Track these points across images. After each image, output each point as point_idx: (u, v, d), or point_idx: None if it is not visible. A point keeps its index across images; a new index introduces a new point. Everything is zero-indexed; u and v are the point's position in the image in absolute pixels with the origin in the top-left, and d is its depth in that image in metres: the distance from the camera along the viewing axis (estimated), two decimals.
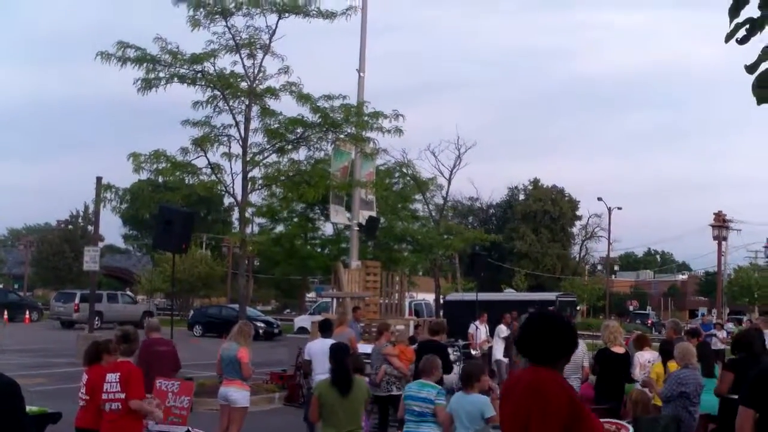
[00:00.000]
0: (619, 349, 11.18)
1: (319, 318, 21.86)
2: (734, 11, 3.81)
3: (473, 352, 21.74)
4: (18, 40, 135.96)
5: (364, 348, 15.29)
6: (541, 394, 4.00)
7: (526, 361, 4.30)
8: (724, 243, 44.92)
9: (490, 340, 22.15)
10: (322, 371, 12.24)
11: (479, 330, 22.82)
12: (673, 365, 10.46)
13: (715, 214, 44.77)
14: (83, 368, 8.80)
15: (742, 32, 3.84)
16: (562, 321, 4.33)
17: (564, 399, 4.00)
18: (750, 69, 3.87)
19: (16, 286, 71.39)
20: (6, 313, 44.36)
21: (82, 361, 8.94)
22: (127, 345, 8.15)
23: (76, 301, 43.77)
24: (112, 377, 7.84)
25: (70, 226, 68.31)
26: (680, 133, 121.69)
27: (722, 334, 27.50)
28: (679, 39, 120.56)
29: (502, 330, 21.21)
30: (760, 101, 3.87)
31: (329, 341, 12.52)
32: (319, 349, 12.40)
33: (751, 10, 3.80)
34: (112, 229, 79.91)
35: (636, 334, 16.10)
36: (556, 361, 4.20)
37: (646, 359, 12.05)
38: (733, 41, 3.89)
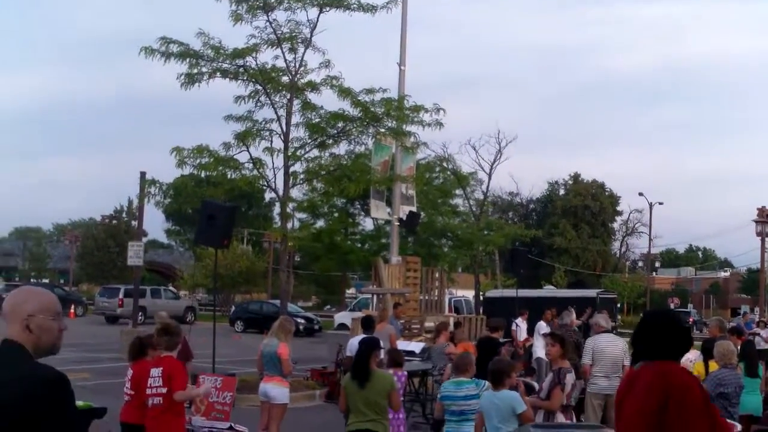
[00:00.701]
0: None
1: (359, 314, 21.84)
2: None
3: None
4: (56, 40, 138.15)
5: (404, 345, 15.26)
6: (676, 385, 3.96)
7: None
8: (767, 239, 44.08)
9: (530, 338, 21.96)
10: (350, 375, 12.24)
11: (520, 327, 22.63)
12: (714, 365, 10.27)
13: (758, 209, 43.98)
14: (128, 363, 8.86)
15: None
16: (680, 318, 4.31)
17: (698, 390, 4.01)
18: None
19: (61, 281, 72.47)
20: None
21: (127, 356, 9.00)
22: (169, 338, 8.11)
23: (121, 296, 44.24)
24: (155, 372, 7.87)
25: (114, 221, 69.09)
26: (721, 127, 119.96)
27: (766, 332, 26.97)
28: (718, 31, 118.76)
29: (542, 327, 21.01)
30: None
31: (370, 337, 12.52)
32: None
33: None
34: (155, 224, 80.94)
35: None
36: (677, 357, 4.20)
37: (688, 359, 11.83)
38: None
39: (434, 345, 13.57)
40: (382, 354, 10.75)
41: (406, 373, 11.03)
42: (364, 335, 12.30)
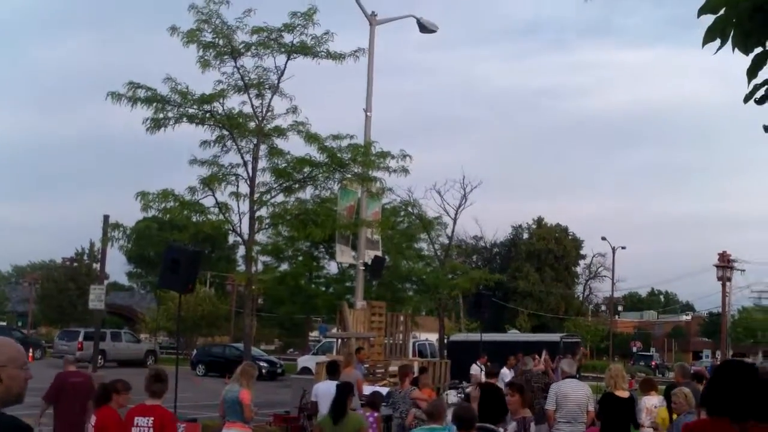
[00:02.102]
0: (623, 393, 11.17)
1: (323, 358, 21.83)
2: (752, 73, 3.92)
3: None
4: (19, 81, 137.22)
5: (368, 389, 15.30)
6: None
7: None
8: (728, 283, 44.82)
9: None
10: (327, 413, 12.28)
11: (482, 372, 22.76)
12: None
13: (719, 254, 44.75)
14: (92, 409, 8.81)
15: (761, 92, 3.94)
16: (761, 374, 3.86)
17: None
18: None
19: (19, 324, 71.28)
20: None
21: (92, 404, 8.96)
22: (158, 385, 7.96)
23: (80, 339, 43.68)
24: (143, 421, 7.64)
25: (75, 264, 68.36)
26: (683, 172, 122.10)
27: None
28: (680, 78, 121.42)
29: (506, 374, 21.05)
30: None
31: (335, 383, 12.56)
32: (325, 390, 12.42)
33: None
34: (116, 266, 79.99)
35: (643, 378, 16.07)
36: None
37: (653, 404, 12.03)
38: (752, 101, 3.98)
39: (398, 389, 13.62)
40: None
41: (376, 414, 11.14)
42: (334, 381, 12.36)
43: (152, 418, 7.62)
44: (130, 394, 8.91)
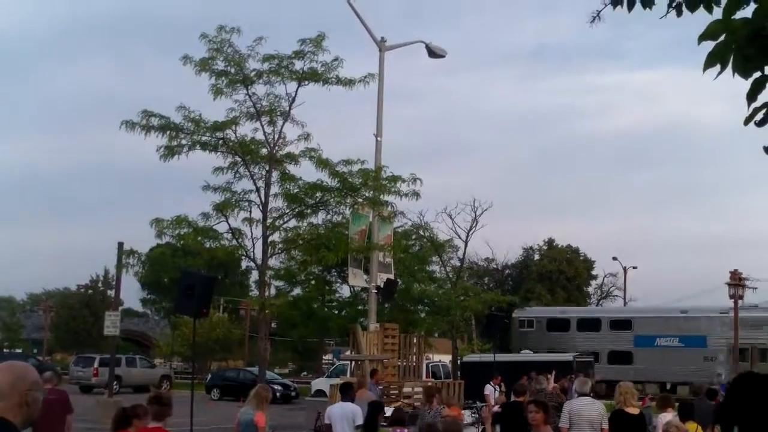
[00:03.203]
0: (633, 410, 11.23)
1: (336, 381, 21.90)
2: (751, 96, 4.05)
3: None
4: (32, 106, 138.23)
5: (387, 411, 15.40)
6: None
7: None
8: (740, 301, 44.62)
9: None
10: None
11: (495, 392, 22.79)
12: (691, 426, 10.52)
13: (731, 272, 44.58)
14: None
15: (760, 115, 4.07)
16: None
17: None
18: None
19: (35, 351, 71.51)
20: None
21: (111, 426, 9.07)
22: (159, 407, 8.10)
23: (95, 365, 43.85)
24: None
25: (89, 291, 68.65)
26: (694, 192, 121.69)
27: None
28: (690, 97, 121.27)
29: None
30: None
31: (350, 405, 12.67)
32: (338, 412, 12.52)
33: None
34: (130, 292, 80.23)
35: (660, 395, 16.11)
36: None
37: (667, 420, 12.06)
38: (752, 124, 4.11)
39: (426, 409, 13.75)
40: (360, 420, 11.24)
41: (406, 430, 11.32)
42: (347, 403, 12.50)
43: None
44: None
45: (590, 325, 46.15)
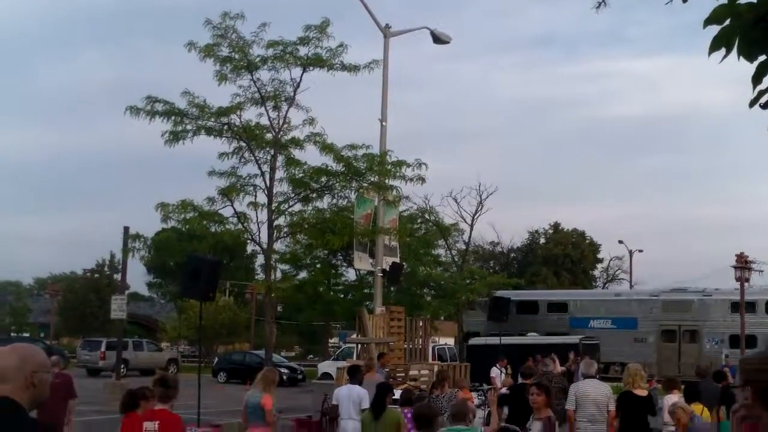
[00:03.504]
0: (641, 392, 11.29)
1: (343, 364, 22.00)
2: (756, 79, 4.07)
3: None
4: (38, 95, 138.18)
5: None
6: None
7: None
8: (746, 284, 44.57)
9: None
10: (347, 416, 12.48)
11: (501, 374, 22.90)
12: (697, 407, 10.57)
13: (737, 255, 44.50)
14: (120, 416, 8.98)
15: (765, 98, 4.09)
16: None
17: None
18: None
19: (42, 335, 71.86)
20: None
21: (118, 408, 9.14)
22: (164, 390, 8.14)
23: (102, 348, 44.13)
24: (149, 425, 7.86)
25: (96, 275, 68.91)
26: (699, 176, 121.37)
27: None
28: (696, 83, 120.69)
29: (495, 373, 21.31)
30: None
31: (356, 387, 12.77)
32: (345, 394, 12.63)
33: None
34: (136, 276, 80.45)
35: (666, 377, 16.19)
36: None
37: (673, 402, 12.12)
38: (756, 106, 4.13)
39: (436, 393, 13.85)
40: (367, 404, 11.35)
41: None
42: (354, 385, 12.61)
43: (158, 422, 7.84)
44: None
45: (529, 308, 46.48)
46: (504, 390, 17.96)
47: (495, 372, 23.04)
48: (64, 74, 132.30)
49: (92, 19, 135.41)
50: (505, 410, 15.80)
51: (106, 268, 67.90)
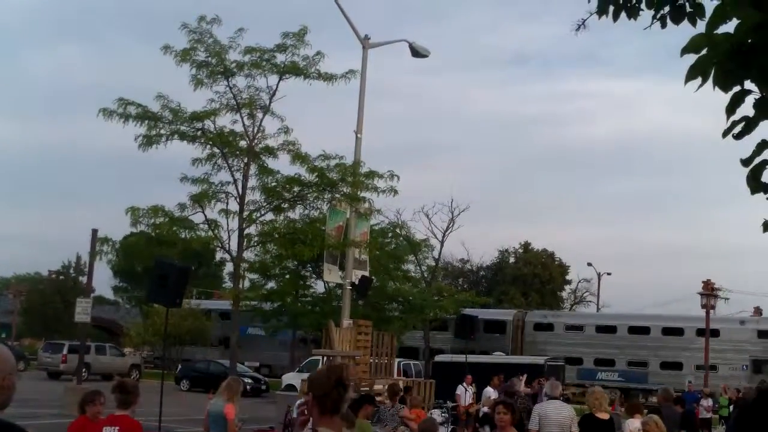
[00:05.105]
0: (604, 415, 11.32)
1: (307, 375, 21.86)
2: (730, 109, 4.12)
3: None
4: (8, 89, 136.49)
5: None
6: None
7: None
8: (712, 311, 45.07)
9: (475, 404, 22.23)
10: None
11: (467, 392, 22.87)
12: None
13: (703, 282, 44.99)
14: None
15: (738, 128, 4.14)
16: None
17: None
18: (745, 163, 4.15)
19: (3, 335, 70.87)
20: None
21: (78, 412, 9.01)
22: (123, 396, 8.02)
23: (64, 351, 43.57)
24: (109, 430, 7.80)
25: (61, 277, 68.14)
26: (669, 201, 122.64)
27: (708, 402, 27.58)
28: (667, 108, 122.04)
29: (491, 393, 21.25)
30: (753, 191, 4.15)
31: None
32: None
33: (746, 109, 4.10)
34: (102, 280, 79.74)
35: (628, 401, 16.26)
36: None
37: (636, 427, 12.18)
38: (729, 137, 4.18)
39: (386, 406, 13.79)
40: None
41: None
42: None
43: (118, 428, 7.76)
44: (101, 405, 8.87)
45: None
46: (485, 409, 18.00)
47: (461, 390, 23.02)
48: (37, 68, 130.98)
49: (67, 14, 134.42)
50: (486, 430, 15.84)
51: (71, 270, 67.17)
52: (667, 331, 47.80)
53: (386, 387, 16.13)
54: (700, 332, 44.34)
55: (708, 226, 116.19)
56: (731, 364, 45.09)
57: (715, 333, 44.63)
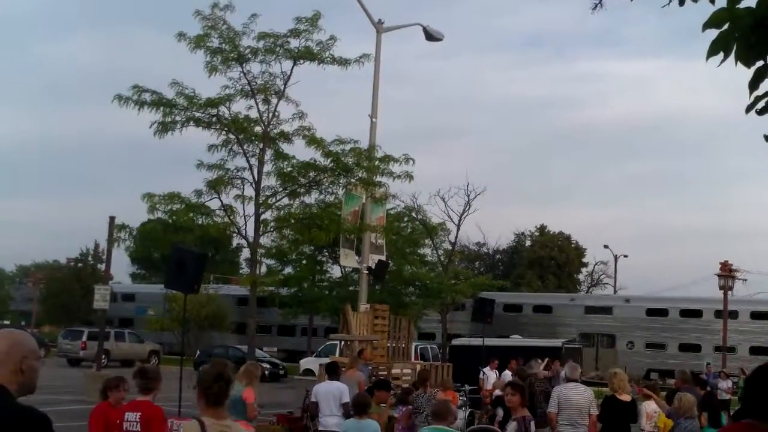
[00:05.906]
0: (626, 397, 11.30)
1: (325, 360, 21.93)
2: (753, 85, 4.04)
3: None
4: (25, 79, 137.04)
5: None
6: None
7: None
8: (730, 292, 44.82)
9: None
10: (328, 413, 12.41)
11: (488, 376, 22.79)
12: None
13: (721, 263, 44.73)
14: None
15: (762, 104, 4.07)
16: None
17: None
18: None
19: (23, 323, 71.47)
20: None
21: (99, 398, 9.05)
22: (144, 381, 8.01)
23: (84, 338, 43.87)
24: (131, 416, 7.74)
25: (79, 264, 68.58)
26: (687, 182, 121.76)
27: (727, 384, 27.44)
28: (685, 89, 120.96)
29: (508, 377, 21.19)
30: None
31: (336, 383, 12.72)
32: (325, 391, 12.57)
33: None
34: (120, 267, 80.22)
35: (646, 383, 16.22)
36: None
37: (653, 409, 12.15)
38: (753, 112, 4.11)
39: (418, 393, 13.82)
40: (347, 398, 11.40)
41: (403, 408, 11.63)
42: (334, 382, 12.57)
43: (140, 414, 7.75)
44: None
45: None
46: (498, 392, 17.98)
47: (488, 373, 22.83)
48: (53, 56, 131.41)
49: (84, 3, 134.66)
50: (500, 411, 15.79)
51: (90, 258, 67.56)
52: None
53: (416, 373, 16.22)
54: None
55: (728, 205, 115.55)
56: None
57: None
